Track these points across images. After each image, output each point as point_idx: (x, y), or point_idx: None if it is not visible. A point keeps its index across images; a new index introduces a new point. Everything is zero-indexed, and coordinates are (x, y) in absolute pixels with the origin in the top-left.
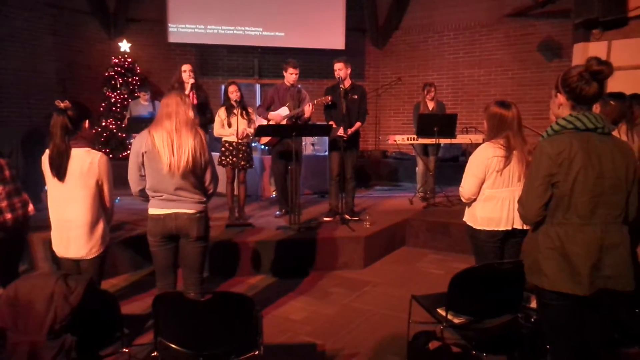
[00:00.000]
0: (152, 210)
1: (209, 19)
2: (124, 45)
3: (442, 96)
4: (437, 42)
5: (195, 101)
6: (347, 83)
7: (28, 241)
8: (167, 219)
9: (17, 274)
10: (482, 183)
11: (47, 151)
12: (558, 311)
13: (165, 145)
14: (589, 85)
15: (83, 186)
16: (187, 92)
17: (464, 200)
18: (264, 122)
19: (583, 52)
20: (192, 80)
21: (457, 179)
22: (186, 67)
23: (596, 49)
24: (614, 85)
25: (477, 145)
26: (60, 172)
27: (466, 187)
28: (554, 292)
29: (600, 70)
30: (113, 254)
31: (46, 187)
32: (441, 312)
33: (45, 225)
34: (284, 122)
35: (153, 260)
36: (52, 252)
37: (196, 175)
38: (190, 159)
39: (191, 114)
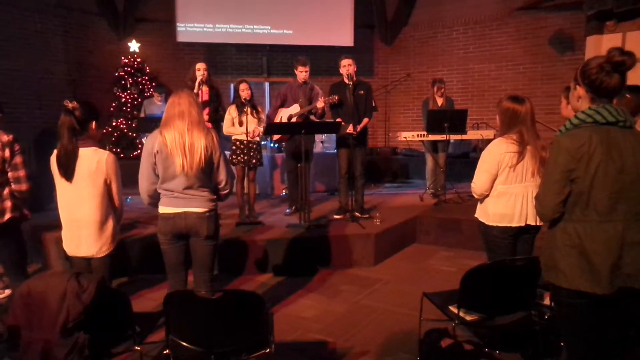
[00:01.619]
0: (162, 209)
1: (217, 18)
2: (133, 45)
3: (452, 92)
4: (447, 37)
5: (206, 97)
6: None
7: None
8: (176, 217)
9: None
10: (495, 179)
11: (55, 151)
12: (575, 309)
13: (177, 146)
14: (610, 77)
15: (91, 185)
16: (195, 90)
17: (476, 196)
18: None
19: (596, 45)
20: (199, 78)
21: (467, 175)
22: (200, 66)
23: (610, 41)
24: (629, 77)
25: (488, 141)
26: (68, 172)
27: (478, 183)
28: (571, 291)
29: (622, 61)
30: (124, 252)
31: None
32: (453, 309)
33: (58, 225)
34: (294, 119)
35: (164, 258)
36: (64, 251)
37: (207, 174)
38: (203, 158)
39: (202, 114)
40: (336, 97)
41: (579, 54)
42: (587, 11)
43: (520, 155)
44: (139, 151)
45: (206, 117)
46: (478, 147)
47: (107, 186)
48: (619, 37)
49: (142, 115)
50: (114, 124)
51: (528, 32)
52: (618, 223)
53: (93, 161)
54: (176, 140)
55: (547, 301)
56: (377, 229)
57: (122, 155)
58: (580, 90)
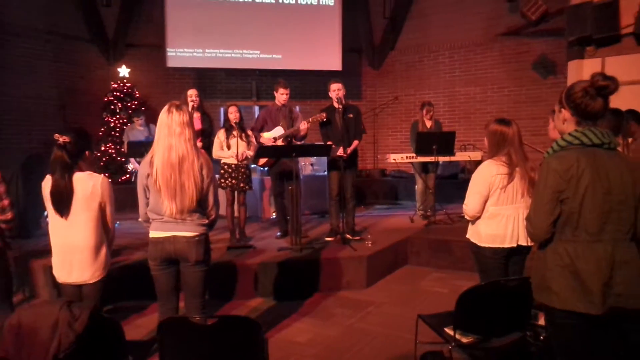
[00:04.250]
0: (152, 233)
1: (206, 43)
2: (123, 71)
3: (439, 114)
4: (433, 61)
5: (199, 125)
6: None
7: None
8: (165, 242)
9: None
10: (486, 200)
11: (48, 177)
12: (569, 330)
13: (168, 187)
14: (594, 100)
15: (87, 209)
16: None
17: (468, 217)
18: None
19: (577, 69)
20: (191, 104)
21: (456, 196)
22: (192, 92)
23: (590, 65)
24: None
25: (476, 162)
26: (62, 208)
27: (470, 205)
28: (565, 311)
29: (606, 86)
30: (114, 278)
31: (46, 213)
32: (449, 331)
33: (47, 251)
34: (279, 142)
35: (154, 284)
36: (53, 278)
37: (198, 200)
38: (195, 200)
39: (195, 137)
40: (324, 115)
41: (561, 77)
42: (567, 37)
43: (510, 176)
44: (127, 176)
45: (200, 144)
46: (466, 169)
47: (102, 210)
48: (599, 62)
49: (126, 141)
50: (102, 148)
51: (512, 56)
52: (607, 243)
53: (88, 185)
54: (166, 179)
55: (542, 321)
56: (368, 251)
57: (110, 180)
58: (565, 113)
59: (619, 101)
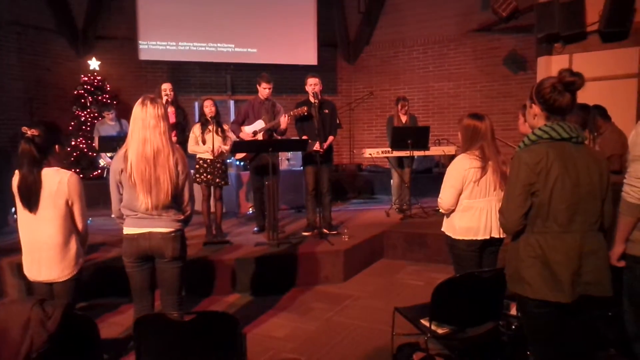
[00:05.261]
0: (126, 230)
1: (180, 36)
2: (93, 63)
3: (413, 109)
4: (407, 56)
5: (174, 119)
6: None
7: None
8: (140, 238)
9: None
10: (460, 194)
11: (17, 172)
12: (541, 319)
13: (143, 181)
14: (562, 96)
15: (52, 206)
16: None
17: (442, 211)
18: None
19: (546, 65)
20: (165, 98)
21: (431, 190)
22: (166, 86)
23: (559, 61)
24: (578, 96)
25: (450, 156)
26: (30, 203)
27: (445, 199)
28: (537, 300)
29: (573, 82)
30: (88, 275)
31: (14, 209)
32: (425, 322)
33: (14, 249)
34: (260, 135)
35: (129, 281)
36: (24, 277)
37: (173, 194)
38: (170, 194)
39: (170, 130)
40: (305, 108)
41: (530, 73)
42: (537, 33)
43: (483, 170)
44: (99, 171)
45: (174, 139)
46: (440, 163)
47: (69, 207)
48: (567, 58)
49: (97, 136)
50: (73, 143)
51: (484, 52)
52: (576, 234)
53: (54, 182)
54: (141, 172)
55: (513, 311)
56: (345, 245)
57: (81, 175)
58: (535, 109)
59: (586, 97)
